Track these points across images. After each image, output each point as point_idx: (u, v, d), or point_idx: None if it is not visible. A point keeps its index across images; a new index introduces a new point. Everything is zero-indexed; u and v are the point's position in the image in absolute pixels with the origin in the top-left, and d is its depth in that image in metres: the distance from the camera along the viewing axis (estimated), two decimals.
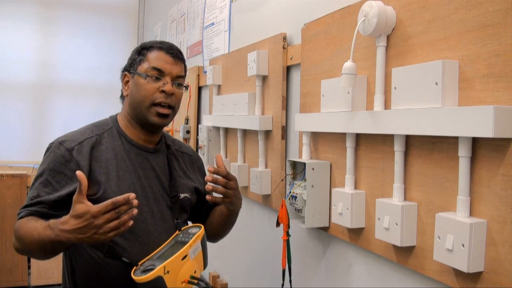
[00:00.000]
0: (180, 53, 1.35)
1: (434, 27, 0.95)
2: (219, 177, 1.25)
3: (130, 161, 1.30)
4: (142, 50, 1.33)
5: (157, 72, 1.28)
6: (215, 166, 1.27)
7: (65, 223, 1.07)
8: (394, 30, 1.06)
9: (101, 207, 1.04)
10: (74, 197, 1.06)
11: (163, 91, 1.27)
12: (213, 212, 1.48)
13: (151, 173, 1.33)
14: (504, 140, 0.81)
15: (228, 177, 1.27)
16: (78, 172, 1.07)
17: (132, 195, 1.06)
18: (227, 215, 1.40)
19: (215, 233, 1.47)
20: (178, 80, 1.32)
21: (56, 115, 4.02)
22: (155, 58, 1.30)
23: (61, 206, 1.23)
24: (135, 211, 1.07)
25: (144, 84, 1.28)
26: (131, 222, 1.07)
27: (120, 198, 1.05)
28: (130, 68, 1.33)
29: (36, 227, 1.16)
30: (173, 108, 1.31)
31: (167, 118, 1.31)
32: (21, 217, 1.23)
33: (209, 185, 1.25)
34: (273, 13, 1.73)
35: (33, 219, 1.20)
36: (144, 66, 1.29)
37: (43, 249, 1.15)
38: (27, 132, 3.95)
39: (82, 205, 1.05)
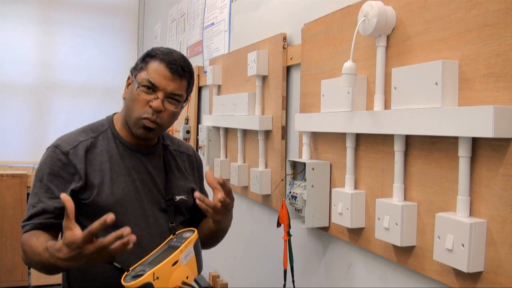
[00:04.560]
0: (183, 68, 1.26)
1: (434, 27, 0.95)
2: (220, 191, 1.20)
3: (124, 164, 1.29)
4: (146, 57, 1.28)
5: (150, 84, 1.23)
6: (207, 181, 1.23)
7: (59, 251, 1.04)
8: (394, 30, 1.06)
9: (82, 237, 0.99)
10: (63, 222, 1.03)
11: (151, 106, 1.23)
12: (204, 221, 1.45)
13: (145, 176, 1.32)
14: (504, 140, 0.81)
15: (230, 195, 1.23)
16: (63, 195, 1.01)
17: (109, 216, 1.00)
18: (213, 230, 1.36)
19: (202, 242, 1.45)
20: (174, 96, 1.26)
21: (56, 115, 4.02)
22: (153, 70, 1.24)
23: (63, 214, 1.23)
24: (132, 237, 1.01)
25: (136, 95, 1.24)
26: (130, 245, 1.02)
27: (95, 224, 1.00)
28: (133, 72, 1.30)
29: (37, 247, 1.14)
30: (160, 125, 1.26)
31: (152, 131, 1.26)
32: (26, 231, 1.22)
33: (197, 194, 1.19)
34: (273, 13, 1.73)
35: (34, 235, 1.19)
36: (142, 75, 1.25)
37: (47, 269, 1.16)
38: (27, 132, 3.94)
39: (70, 233, 1.01)
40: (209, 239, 1.42)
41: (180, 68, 1.26)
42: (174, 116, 1.30)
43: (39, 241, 1.16)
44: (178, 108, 1.28)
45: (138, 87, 1.23)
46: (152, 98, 1.23)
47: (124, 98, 1.32)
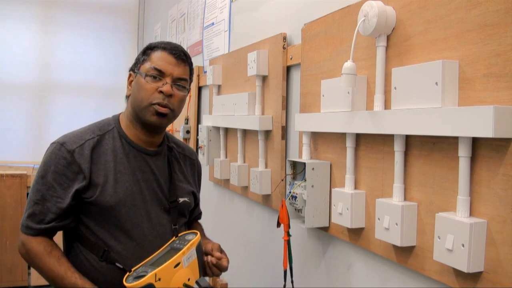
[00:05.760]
0: (185, 54, 1.32)
1: (434, 27, 0.95)
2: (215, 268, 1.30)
3: (129, 164, 1.29)
4: (147, 50, 1.31)
5: (157, 72, 1.26)
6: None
7: None
8: (394, 30, 1.06)
9: None
10: None
11: (161, 92, 1.25)
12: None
13: (150, 176, 1.32)
14: (504, 140, 0.81)
15: (221, 268, 1.31)
16: None
17: None
18: None
19: None
20: (180, 82, 1.29)
21: (56, 115, 4.02)
22: (157, 58, 1.28)
23: (68, 214, 1.24)
24: None
25: (144, 84, 1.26)
26: None
27: None
28: (134, 67, 1.33)
29: (60, 275, 1.20)
30: (173, 110, 1.28)
31: (165, 117, 1.28)
32: (30, 235, 1.23)
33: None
34: (273, 13, 1.73)
35: (52, 254, 1.22)
36: (146, 66, 1.28)
37: None
38: (27, 132, 3.94)
39: None
40: None
41: (183, 53, 1.31)
42: (182, 102, 1.33)
43: (62, 268, 1.20)
44: (185, 93, 1.32)
45: (145, 76, 1.26)
46: (161, 84, 1.26)
47: (128, 96, 1.33)
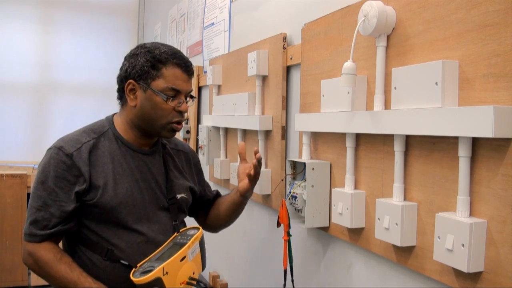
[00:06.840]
0: (192, 65, 1.33)
1: (434, 27, 0.95)
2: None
3: (127, 164, 1.30)
4: (156, 64, 1.25)
5: (175, 92, 1.26)
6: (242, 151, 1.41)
7: None
8: (394, 30, 1.06)
9: None
10: None
11: (179, 111, 1.27)
12: (220, 203, 1.52)
13: (148, 176, 1.33)
14: (504, 140, 0.81)
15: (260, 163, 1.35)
16: None
17: None
18: (239, 203, 1.44)
19: (222, 223, 1.53)
20: (189, 94, 1.32)
21: (56, 115, 4.02)
22: (172, 76, 1.25)
23: (72, 217, 1.24)
24: None
25: (161, 104, 1.25)
26: None
27: None
28: (138, 78, 1.26)
29: (73, 281, 1.19)
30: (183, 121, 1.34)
31: (177, 131, 1.33)
32: (35, 241, 1.22)
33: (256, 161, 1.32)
34: (273, 13, 1.73)
35: (62, 261, 1.21)
36: (160, 84, 1.24)
37: None
38: (27, 132, 3.94)
39: None
40: (234, 214, 1.50)
41: (192, 66, 1.32)
42: None
43: (74, 274, 1.19)
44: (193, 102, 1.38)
45: (166, 98, 1.25)
46: (177, 102, 1.27)
47: (132, 106, 1.29)
